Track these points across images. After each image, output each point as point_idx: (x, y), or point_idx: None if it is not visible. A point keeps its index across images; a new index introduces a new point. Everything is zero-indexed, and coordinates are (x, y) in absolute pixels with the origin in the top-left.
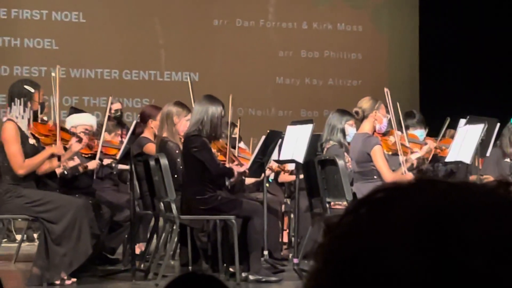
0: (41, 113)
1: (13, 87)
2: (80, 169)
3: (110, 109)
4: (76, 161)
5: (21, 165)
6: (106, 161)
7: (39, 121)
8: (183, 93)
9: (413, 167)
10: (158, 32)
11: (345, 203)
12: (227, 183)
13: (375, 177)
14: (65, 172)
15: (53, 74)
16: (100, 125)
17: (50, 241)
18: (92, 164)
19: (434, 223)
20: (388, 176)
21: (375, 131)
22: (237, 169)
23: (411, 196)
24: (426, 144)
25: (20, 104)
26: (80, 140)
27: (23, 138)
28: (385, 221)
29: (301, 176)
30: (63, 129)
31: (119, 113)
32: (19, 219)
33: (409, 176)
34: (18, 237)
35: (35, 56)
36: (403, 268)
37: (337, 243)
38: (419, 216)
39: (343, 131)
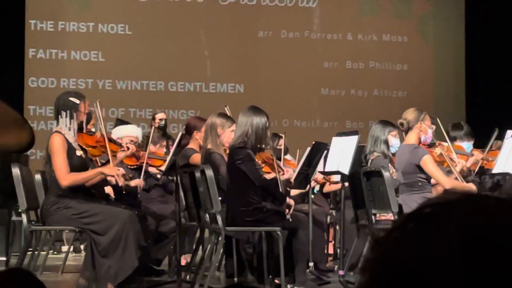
0: (88, 123)
1: (59, 100)
2: (124, 183)
3: (155, 119)
4: (122, 171)
5: (65, 176)
6: (151, 169)
7: (86, 132)
8: (228, 104)
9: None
10: (203, 44)
11: (390, 214)
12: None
13: (421, 188)
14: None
15: (92, 108)
16: (145, 137)
17: (96, 252)
18: (134, 182)
19: (482, 240)
20: (446, 183)
21: (420, 142)
22: (281, 176)
23: (459, 212)
24: (472, 155)
25: (66, 116)
26: (127, 149)
27: (70, 150)
28: (432, 236)
29: (346, 186)
30: (110, 140)
31: (163, 123)
32: (66, 231)
33: (470, 185)
34: (65, 248)
35: (81, 68)
36: (449, 284)
37: (384, 258)
38: (466, 233)
39: (386, 142)
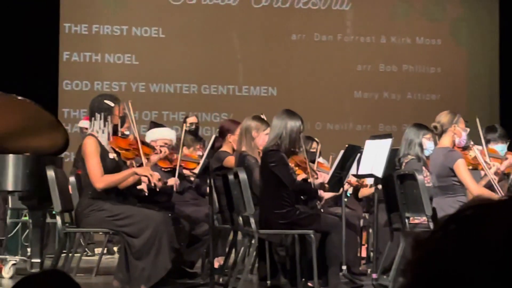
0: (122, 127)
1: (94, 102)
2: (159, 184)
3: (186, 122)
4: (156, 174)
5: (99, 179)
6: (185, 172)
7: (120, 135)
8: (261, 107)
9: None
10: (236, 47)
11: (424, 218)
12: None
13: (455, 192)
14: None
15: (126, 111)
16: (179, 139)
17: (130, 254)
18: (170, 181)
19: None
20: (474, 189)
21: (454, 145)
22: (315, 181)
23: (500, 214)
24: (506, 159)
25: (100, 119)
26: (160, 152)
27: (104, 152)
28: (474, 238)
29: (379, 190)
30: (144, 143)
31: (194, 127)
32: (100, 233)
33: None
34: (98, 250)
35: (115, 71)
36: (491, 285)
37: (426, 260)
38: (507, 234)
39: (420, 145)
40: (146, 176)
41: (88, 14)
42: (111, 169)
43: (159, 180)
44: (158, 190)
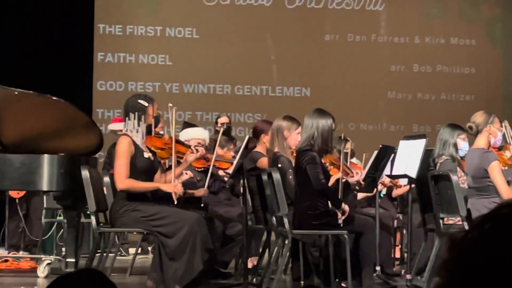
0: (156, 126)
1: (128, 102)
2: (189, 191)
3: (217, 122)
4: (189, 174)
5: (122, 180)
6: (220, 173)
7: (154, 134)
8: (294, 108)
9: None
10: (270, 47)
11: (458, 218)
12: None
13: (490, 193)
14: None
15: (167, 115)
16: (212, 140)
17: (164, 254)
18: (199, 192)
19: None
20: (506, 192)
21: (489, 145)
22: (350, 179)
23: None
24: None
25: (134, 119)
26: (196, 152)
27: (138, 152)
28: (509, 237)
29: (413, 190)
30: (179, 142)
31: (225, 127)
32: (134, 233)
33: None
34: (132, 250)
35: (149, 71)
36: None
37: (461, 259)
38: None
39: (455, 146)
40: (170, 193)
41: (122, 15)
42: (145, 168)
43: (191, 179)
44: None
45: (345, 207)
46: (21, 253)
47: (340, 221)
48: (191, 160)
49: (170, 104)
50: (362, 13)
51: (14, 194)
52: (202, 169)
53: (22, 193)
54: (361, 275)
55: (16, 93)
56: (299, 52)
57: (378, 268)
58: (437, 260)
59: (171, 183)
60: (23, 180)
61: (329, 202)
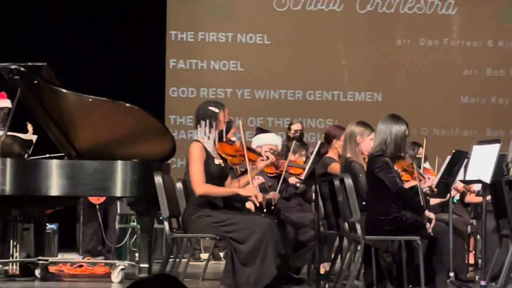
0: (227, 132)
1: (199, 109)
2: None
3: (290, 129)
4: (261, 180)
5: (200, 185)
6: (292, 180)
7: (226, 141)
8: (366, 113)
9: None
10: (341, 53)
11: None
12: None
13: None
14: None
15: (237, 124)
16: (284, 145)
17: (237, 260)
18: (271, 195)
19: None
20: None
21: None
22: (423, 185)
23: None
24: None
25: (205, 125)
26: (267, 158)
27: (209, 158)
28: None
29: (488, 197)
30: (249, 149)
31: (298, 134)
32: (207, 238)
33: None
34: (204, 255)
35: (220, 78)
36: None
37: None
38: None
39: None
40: (250, 196)
41: (194, 21)
42: (216, 175)
43: (263, 184)
44: (265, 210)
45: (430, 214)
46: (95, 259)
47: (429, 230)
48: (261, 167)
49: (239, 120)
50: (434, 17)
51: (94, 200)
52: (274, 175)
53: (102, 199)
54: (434, 281)
55: (90, 100)
56: (371, 57)
57: (451, 274)
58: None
59: (250, 187)
60: (97, 186)
61: (405, 208)
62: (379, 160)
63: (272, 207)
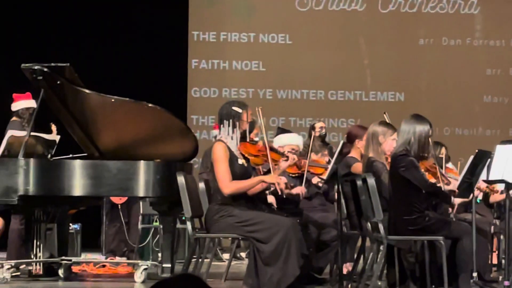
0: (250, 132)
1: (222, 109)
2: (286, 191)
3: (314, 128)
4: (284, 180)
5: (227, 184)
6: (314, 180)
7: (249, 141)
8: (388, 112)
9: None
10: (363, 52)
11: None
12: None
13: None
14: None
15: (254, 117)
16: (306, 145)
17: (259, 260)
18: (296, 190)
19: None
20: None
21: None
22: (445, 186)
23: None
24: None
25: (228, 125)
26: (287, 159)
27: (232, 158)
28: None
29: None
30: (272, 149)
31: (323, 132)
32: (230, 238)
33: None
34: (226, 255)
35: (242, 78)
36: None
37: None
38: None
39: None
40: (273, 183)
41: (216, 22)
42: (239, 175)
43: (286, 184)
44: (285, 197)
45: (454, 199)
46: (118, 259)
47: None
48: (284, 167)
49: (261, 107)
50: (457, 16)
51: (116, 200)
52: (296, 175)
53: (124, 199)
54: (457, 281)
55: (113, 100)
56: (393, 57)
57: (475, 274)
58: None
59: (273, 175)
60: (120, 186)
61: (428, 207)
62: (404, 159)
63: (301, 200)
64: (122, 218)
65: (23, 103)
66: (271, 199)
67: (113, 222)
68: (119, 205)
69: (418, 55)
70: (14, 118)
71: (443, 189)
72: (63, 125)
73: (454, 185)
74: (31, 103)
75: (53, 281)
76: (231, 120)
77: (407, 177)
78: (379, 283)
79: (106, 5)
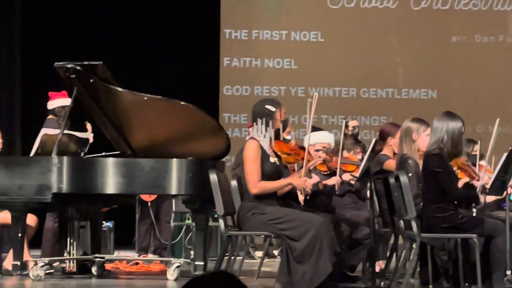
0: (283, 131)
1: (255, 107)
2: (320, 186)
3: (348, 126)
4: (315, 178)
5: (255, 184)
6: (346, 177)
7: (282, 140)
8: (421, 110)
9: None
10: (395, 50)
11: None
12: None
13: None
14: (307, 197)
15: (309, 100)
16: (337, 143)
17: (292, 258)
18: (332, 181)
19: None
20: None
21: None
22: (475, 182)
23: None
24: None
25: (262, 124)
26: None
27: (264, 156)
28: None
29: None
30: (302, 148)
31: (356, 130)
32: (262, 236)
33: None
34: (258, 253)
35: (274, 75)
36: None
37: None
38: None
39: None
40: (300, 189)
41: (248, 19)
42: (271, 173)
43: (319, 182)
44: (317, 190)
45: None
46: (151, 256)
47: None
48: (315, 165)
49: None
50: (490, 13)
51: (145, 197)
52: (328, 172)
53: (154, 196)
54: (491, 279)
55: (145, 98)
56: (425, 54)
57: (508, 272)
58: None
59: (301, 178)
60: (153, 184)
61: (461, 205)
62: (438, 160)
63: (337, 192)
64: (152, 215)
65: (59, 101)
66: (302, 197)
67: (143, 220)
68: (149, 203)
69: (450, 52)
70: (50, 116)
71: (475, 185)
72: (95, 123)
73: (486, 182)
74: (67, 102)
75: (87, 279)
76: (264, 119)
77: (440, 179)
78: (412, 281)
79: (138, 4)
